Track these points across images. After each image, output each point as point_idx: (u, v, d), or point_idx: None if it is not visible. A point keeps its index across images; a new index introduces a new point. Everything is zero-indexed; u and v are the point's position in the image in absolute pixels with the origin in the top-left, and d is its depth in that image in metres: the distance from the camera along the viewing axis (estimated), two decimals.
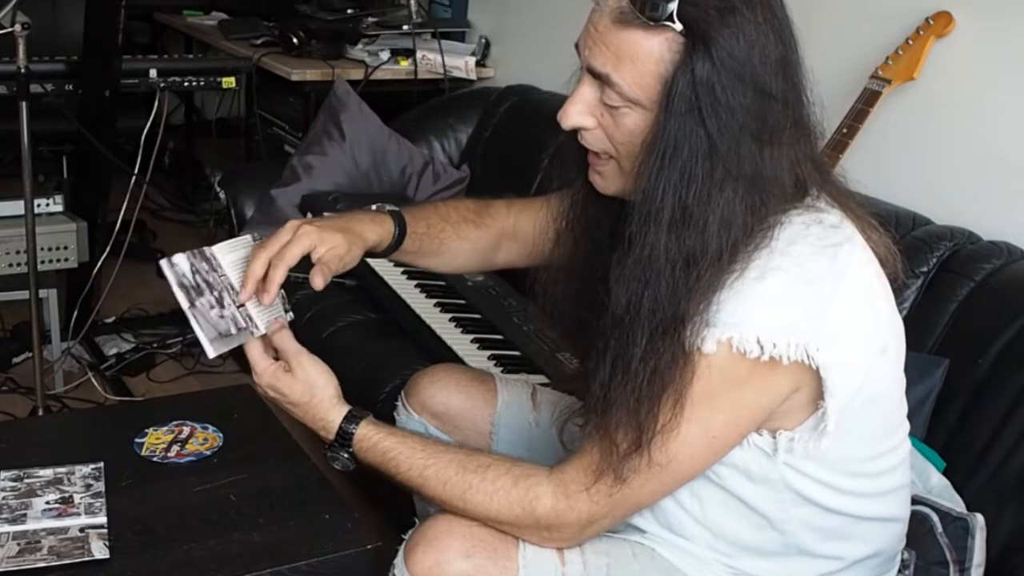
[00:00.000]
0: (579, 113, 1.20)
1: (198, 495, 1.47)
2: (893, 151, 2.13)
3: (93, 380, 2.80)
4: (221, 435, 1.62)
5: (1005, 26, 1.93)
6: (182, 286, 1.32)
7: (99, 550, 1.33)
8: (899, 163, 2.12)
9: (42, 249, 2.54)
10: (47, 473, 1.48)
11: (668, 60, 1.11)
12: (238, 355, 1.39)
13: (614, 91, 1.15)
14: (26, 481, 1.47)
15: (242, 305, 1.35)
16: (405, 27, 3.39)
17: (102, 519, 1.39)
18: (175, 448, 1.58)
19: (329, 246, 1.37)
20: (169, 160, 4.38)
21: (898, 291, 1.33)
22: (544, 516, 1.22)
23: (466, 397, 1.63)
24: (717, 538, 1.29)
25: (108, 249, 2.80)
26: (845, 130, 1.97)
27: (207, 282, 1.34)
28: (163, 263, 1.31)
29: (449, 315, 2.30)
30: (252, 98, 3.41)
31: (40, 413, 2.47)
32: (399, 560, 1.27)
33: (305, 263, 1.37)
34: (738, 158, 1.12)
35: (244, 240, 1.41)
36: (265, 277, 1.33)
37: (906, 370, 1.29)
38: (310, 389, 1.35)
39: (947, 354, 1.74)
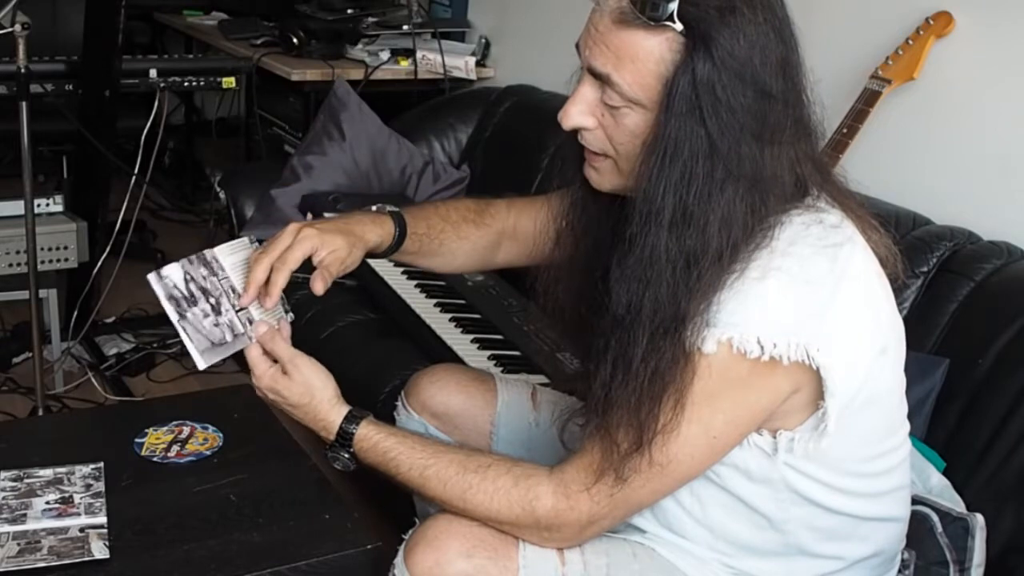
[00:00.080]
0: (580, 113, 1.20)
1: (198, 495, 1.47)
2: (893, 151, 2.13)
3: (93, 380, 2.80)
4: (221, 435, 1.62)
5: (1005, 26, 1.94)
6: (171, 298, 1.31)
7: (99, 550, 1.33)
8: (899, 163, 2.12)
9: (42, 249, 2.54)
10: (47, 473, 1.48)
11: (669, 60, 1.11)
12: (238, 355, 1.39)
13: (615, 91, 1.15)
14: (26, 481, 1.47)
15: (242, 309, 1.35)
16: (405, 27, 3.39)
17: (102, 519, 1.39)
18: (175, 448, 1.58)
19: (330, 249, 1.37)
20: (169, 160, 4.39)
21: (898, 291, 1.33)
22: (544, 516, 1.22)
23: (466, 397, 1.63)
24: (717, 538, 1.29)
25: (108, 249, 2.80)
26: (845, 130, 1.97)
27: (203, 289, 1.33)
28: (150, 277, 1.30)
29: (449, 315, 2.30)
30: (252, 98, 3.41)
31: (40, 413, 2.47)
32: (399, 560, 1.27)
33: (306, 264, 1.37)
34: (738, 158, 1.12)
35: (242, 242, 1.41)
36: (267, 282, 1.33)
37: (906, 370, 1.29)
38: (309, 391, 1.35)
39: (947, 354, 1.74)
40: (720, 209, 1.12)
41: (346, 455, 1.35)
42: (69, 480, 1.47)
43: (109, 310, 3.10)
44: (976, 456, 1.65)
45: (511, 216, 1.59)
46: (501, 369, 2.07)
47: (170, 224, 4.06)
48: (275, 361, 1.37)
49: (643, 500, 1.23)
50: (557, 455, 1.34)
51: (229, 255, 1.37)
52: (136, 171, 2.74)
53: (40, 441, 1.67)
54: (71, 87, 2.67)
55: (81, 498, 1.43)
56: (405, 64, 3.34)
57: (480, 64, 3.39)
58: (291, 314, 1.44)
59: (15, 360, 2.90)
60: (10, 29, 2.16)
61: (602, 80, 1.16)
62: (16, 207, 2.49)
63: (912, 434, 1.37)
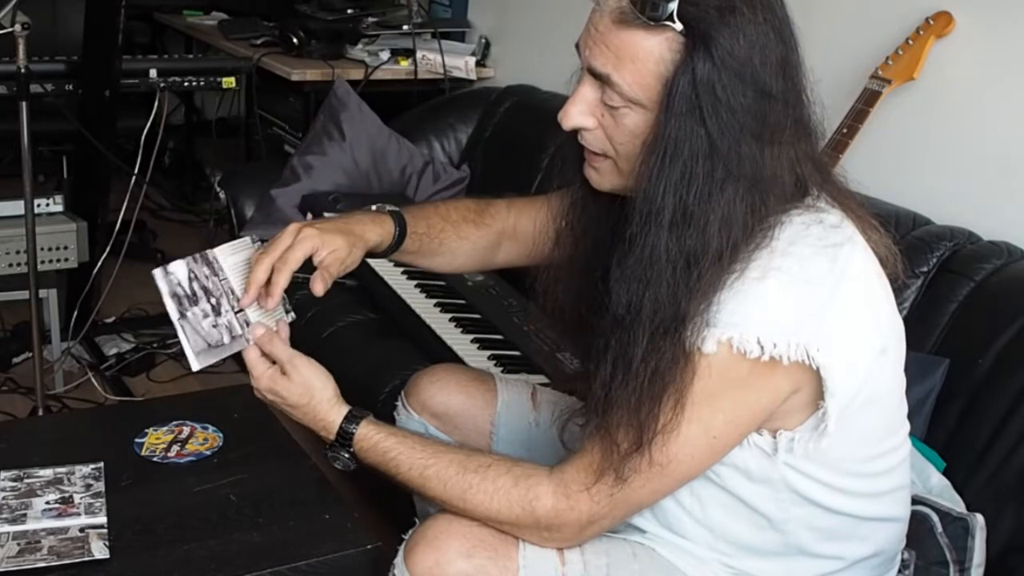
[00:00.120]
0: (580, 113, 1.20)
1: (198, 495, 1.47)
2: (893, 151, 2.13)
3: (93, 380, 2.80)
4: (221, 435, 1.62)
5: (1005, 26, 1.94)
6: (174, 296, 1.31)
7: (99, 550, 1.33)
8: (899, 163, 2.12)
9: (42, 249, 2.54)
10: (47, 473, 1.48)
11: (668, 60, 1.11)
12: (238, 356, 1.39)
13: (615, 91, 1.15)
14: (26, 481, 1.47)
15: (241, 310, 1.35)
16: (405, 27, 3.39)
17: (102, 519, 1.39)
18: (175, 448, 1.58)
19: (331, 248, 1.37)
20: (169, 160, 4.39)
21: (898, 291, 1.33)
22: (544, 516, 1.22)
23: (466, 397, 1.63)
24: (717, 538, 1.29)
25: (108, 249, 2.80)
26: (845, 130, 1.97)
27: (205, 288, 1.33)
28: (156, 272, 1.30)
29: (449, 315, 2.30)
30: (252, 98, 3.41)
31: (40, 413, 2.47)
32: (399, 560, 1.27)
33: (307, 264, 1.37)
34: (738, 158, 1.12)
35: (244, 242, 1.41)
36: (268, 282, 1.33)
37: (906, 370, 1.29)
38: (308, 391, 1.35)
39: (947, 354, 1.74)
40: (720, 209, 1.12)
41: (346, 455, 1.35)
42: (69, 480, 1.47)
43: (109, 310, 3.10)
44: (976, 456, 1.65)
45: (511, 216, 1.59)
46: (501, 369, 2.07)
47: (170, 224, 4.06)
48: (274, 362, 1.37)
49: (643, 500, 1.23)
50: (557, 455, 1.34)
51: (230, 255, 1.37)
52: (136, 171, 2.74)
53: (40, 441, 1.67)
54: (71, 87, 2.67)
55: (81, 498, 1.43)
56: (405, 64, 3.34)
57: (480, 64, 3.39)
58: (292, 314, 1.44)
59: (15, 360, 2.90)
60: (10, 29, 2.16)
61: (602, 80, 1.16)
62: (16, 207, 2.49)
63: (912, 434, 1.37)
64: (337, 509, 1.47)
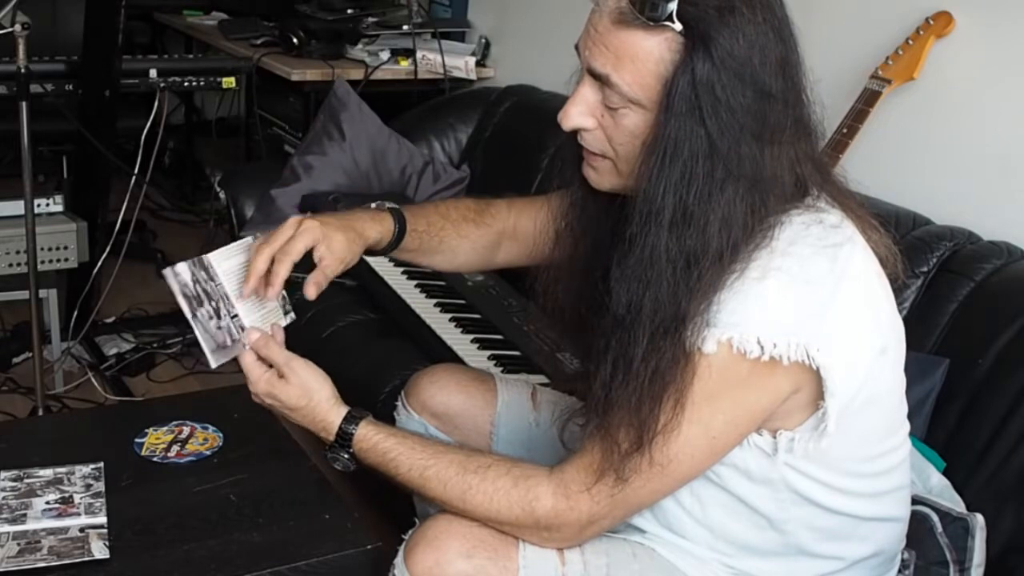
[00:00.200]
0: (580, 114, 1.20)
1: (198, 495, 1.47)
2: (893, 151, 2.13)
3: (93, 380, 2.80)
4: (221, 435, 1.62)
5: (1005, 26, 1.94)
6: (185, 295, 1.32)
7: (99, 550, 1.33)
8: (899, 163, 2.12)
9: (42, 249, 2.55)
10: (47, 473, 1.48)
11: (668, 60, 1.11)
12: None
13: (614, 92, 1.15)
14: (26, 481, 1.47)
15: (235, 316, 1.35)
16: (405, 27, 3.39)
17: (102, 519, 1.39)
18: (175, 448, 1.58)
19: (331, 242, 1.37)
20: (169, 160, 4.39)
21: (898, 291, 1.33)
22: (544, 516, 1.22)
23: (466, 397, 1.63)
24: (717, 538, 1.29)
25: (108, 249, 2.80)
26: (845, 130, 1.97)
27: (206, 292, 1.33)
28: (167, 272, 1.31)
29: (449, 315, 2.30)
30: (252, 98, 3.41)
31: (40, 413, 2.47)
32: (399, 560, 1.27)
33: (306, 262, 1.36)
34: (738, 158, 1.12)
35: (243, 244, 1.40)
36: (269, 273, 1.33)
37: (906, 370, 1.29)
38: (306, 393, 1.35)
39: (947, 354, 1.74)
40: (720, 209, 1.12)
41: (346, 455, 1.34)
42: (69, 480, 1.47)
43: (109, 310, 3.10)
44: (976, 456, 1.65)
45: (511, 216, 1.59)
46: (501, 369, 2.07)
47: (170, 224, 4.06)
48: (270, 366, 1.36)
49: (643, 500, 1.23)
50: (557, 455, 1.34)
51: (225, 260, 1.36)
52: (136, 171, 2.74)
53: (40, 441, 1.67)
54: (71, 87, 2.67)
55: (81, 498, 1.43)
56: (405, 64, 3.34)
57: (480, 64, 3.39)
58: (292, 315, 1.44)
59: (15, 360, 2.90)
60: (10, 29, 2.16)
61: (602, 80, 1.16)
62: (16, 207, 2.49)
63: (912, 434, 1.37)
64: (337, 509, 1.47)
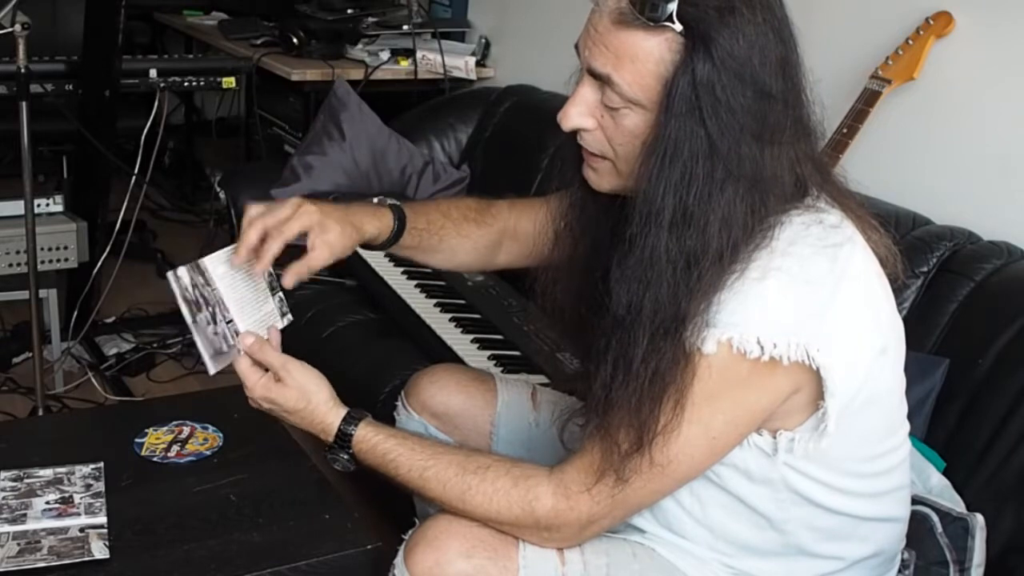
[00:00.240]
0: (580, 114, 1.20)
1: (198, 495, 1.47)
2: (893, 151, 2.13)
3: (93, 380, 2.80)
4: (221, 435, 1.62)
5: (1005, 26, 1.94)
6: (185, 300, 1.31)
7: (99, 550, 1.33)
8: (899, 163, 2.12)
9: (42, 249, 2.54)
10: (47, 473, 1.48)
11: (668, 60, 1.11)
12: None
13: (614, 92, 1.15)
14: (26, 481, 1.47)
15: (231, 321, 1.35)
16: (405, 27, 3.39)
17: (102, 519, 1.39)
18: (175, 448, 1.58)
19: (326, 232, 1.37)
20: (169, 160, 4.39)
21: (898, 291, 1.33)
22: (544, 516, 1.22)
23: (466, 397, 1.63)
24: (717, 538, 1.29)
25: (108, 249, 2.80)
26: (845, 130, 1.97)
27: (203, 297, 1.32)
28: (170, 275, 1.30)
29: (449, 315, 2.30)
30: (252, 98, 3.41)
31: (40, 413, 2.47)
32: (399, 560, 1.27)
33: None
34: (738, 158, 1.12)
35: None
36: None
37: (906, 370, 1.29)
38: (304, 395, 1.35)
39: (947, 354, 1.74)
40: (720, 209, 1.12)
41: (345, 457, 1.34)
42: (69, 480, 1.47)
43: (109, 310, 3.10)
44: (976, 456, 1.65)
45: (512, 216, 1.59)
46: (501, 369, 2.07)
47: (170, 224, 4.06)
48: (267, 370, 1.36)
49: (643, 500, 1.23)
50: (557, 455, 1.34)
51: (221, 264, 1.35)
52: (136, 171, 2.74)
53: (40, 441, 1.67)
54: (71, 87, 2.67)
55: (81, 498, 1.43)
56: (405, 64, 3.34)
57: (480, 64, 3.39)
58: (289, 316, 1.44)
59: (15, 360, 2.90)
60: (10, 29, 2.16)
61: (602, 81, 1.16)
62: (16, 207, 2.49)
63: (912, 434, 1.37)
64: (337, 509, 1.47)
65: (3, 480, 1.46)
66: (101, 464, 1.51)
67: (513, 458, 1.30)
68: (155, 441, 1.60)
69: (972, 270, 1.80)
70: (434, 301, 2.36)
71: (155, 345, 3.04)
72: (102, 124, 2.70)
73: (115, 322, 3.14)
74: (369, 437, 1.33)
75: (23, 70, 2.24)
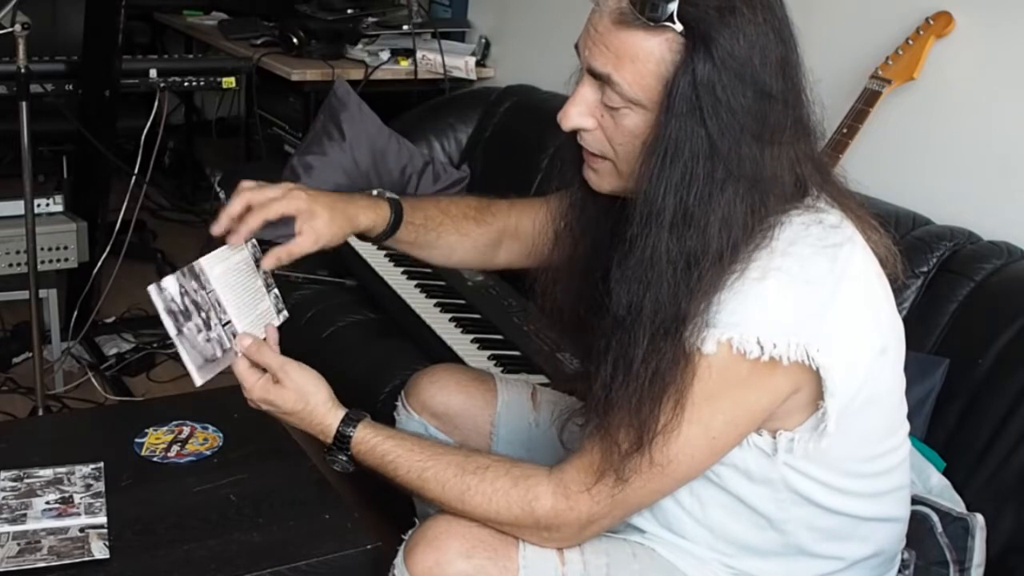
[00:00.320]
0: (580, 114, 1.20)
1: (198, 495, 1.47)
2: (893, 151, 2.13)
3: (93, 380, 2.80)
4: (221, 435, 1.62)
5: (1005, 26, 1.94)
6: (170, 312, 1.29)
7: (99, 550, 1.33)
8: (899, 163, 2.12)
9: (42, 249, 2.54)
10: (47, 473, 1.48)
11: (669, 60, 1.11)
12: None
13: (614, 92, 1.15)
14: (26, 481, 1.47)
15: (228, 323, 1.34)
16: (405, 27, 3.39)
17: (102, 519, 1.39)
18: (175, 448, 1.58)
19: (313, 220, 1.37)
20: (169, 160, 4.38)
21: (898, 291, 1.33)
22: (544, 516, 1.22)
23: (466, 397, 1.63)
24: (717, 538, 1.29)
25: (108, 249, 2.80)
26: (845, 130, 1.97)
27: (195, 303, 1.31)
28: (151, 289, 1.28)
29: (449, 315, 2.30)
30: (252, 98, 3.41)
31: (40, 413, 2.47)
32: (399, 560, 1.27)
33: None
34: (739, 158, 1.12)
35: (236, 246, 1.39)
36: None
37: (906, 370, 1.29)
38: (303, 396, 1.35)
39: (947, 354, 1.74)
40: (720, 209, 1.12)
41: (344, 458, 1.34)
42: (69, 480, 1.47)
43: (109, 310, 3.10)
44: (976, 456, 1.65)
45: (512, 216, 1.59)
46: (501, 369, 2.07)
47: (170, 224, 4.06)
48: (265, 371, 1.36)
49: (643, 500, 1.23)
50: (557, 455, 1.34)
51: (218, 264, 1.35)
52: (136, 171, 2.74)
53: (40, 441, 1.67)
54: (71, 87, 2.67)
55: (81, 498, 1.43)
56: (405, 64, 3.34)
57: (480, 64, 3.39)
58: (285, 313, 1.43)
59: (15, 360, 2.90)
60: (10, 29, 2.16)
61: (602, 81, 1.16)
62: (16, 207, 2.49)
63: (912, 434, 1.37)
64: (337, 509, 1.47)
65: (3, 480, 1.46)
66: (101, 464, 1.51)
67: (512, 458, 1.30)
68: (155, 441, 1.60)
69: (972, 270, 1.80)
70: (434, 301, 2.36)
71: (155, 345, 3.03)
72: (102, 124, 2.69)
73: (115, 322, 3.14)
74: (368, 438, 1.33)
75: (23, 70, 2.23)
